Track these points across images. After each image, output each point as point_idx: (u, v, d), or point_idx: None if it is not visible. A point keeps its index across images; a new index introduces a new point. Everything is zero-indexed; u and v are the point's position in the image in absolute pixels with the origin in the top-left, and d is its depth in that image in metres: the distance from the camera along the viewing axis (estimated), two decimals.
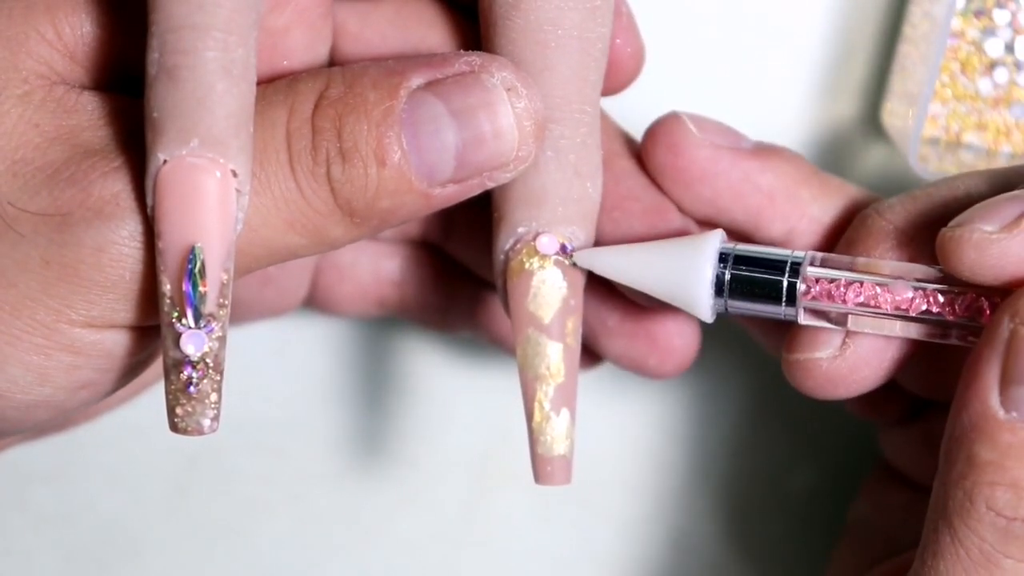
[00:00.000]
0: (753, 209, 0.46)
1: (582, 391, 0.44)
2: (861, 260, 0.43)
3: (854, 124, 0.54)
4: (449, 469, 0.58)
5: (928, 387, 0.48)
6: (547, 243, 0.43)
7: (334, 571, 0.58)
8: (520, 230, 0.43)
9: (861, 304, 0.42)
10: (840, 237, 0.46)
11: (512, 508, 0.58)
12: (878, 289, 0.42)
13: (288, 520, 0.58)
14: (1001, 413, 0.40)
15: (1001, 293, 0.41)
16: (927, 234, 0.43)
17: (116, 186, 0.39)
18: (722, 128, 0.46)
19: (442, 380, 0.57)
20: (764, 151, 0.46)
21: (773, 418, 0.57)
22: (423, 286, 0.52)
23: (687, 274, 0.43)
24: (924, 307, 0.42)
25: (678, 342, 0.48)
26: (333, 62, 0.45)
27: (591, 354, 0.49)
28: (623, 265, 0.44)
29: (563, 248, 0.43)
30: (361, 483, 0.58)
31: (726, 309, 0.44)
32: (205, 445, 0.57)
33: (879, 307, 0.42)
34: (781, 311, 0.43)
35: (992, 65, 0.51)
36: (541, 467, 0.44)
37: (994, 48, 0.51)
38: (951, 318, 0.42)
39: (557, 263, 0.43)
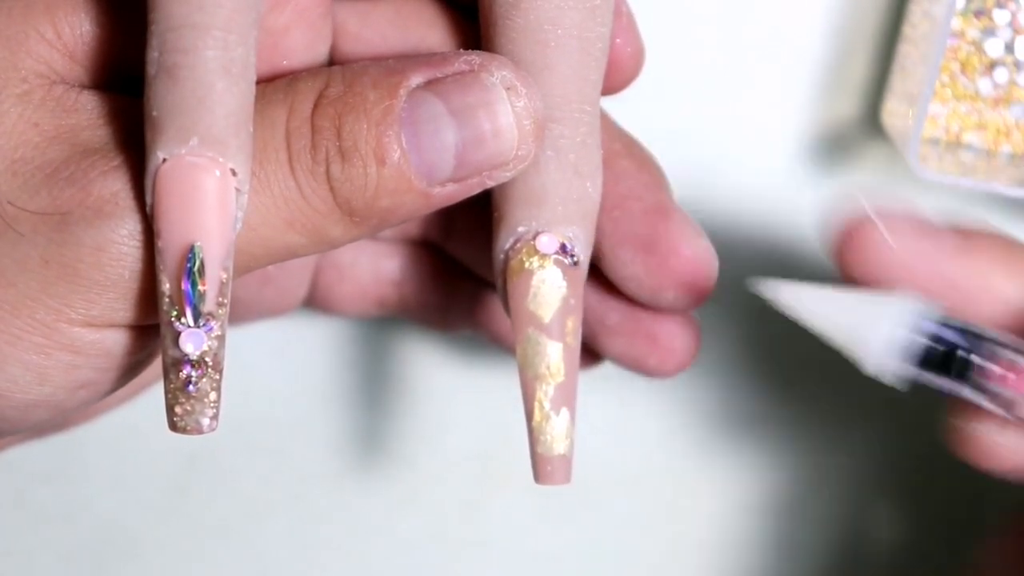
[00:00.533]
0: (948, 299, 0.44)
1: (582, 391, 0.44)
2: None
3: (854, 124, 0.54)
4: (449, 469, 0.58)
5: None
6: (547, 242, 0.43)
7: (334, 571, 0.58)
8: (520, 229, 0.43)
9: None
10: None
11: (512, 508, 0.58)
12: None
13: (288, 520, 0.58)
14: None
15: None
16: None
17: (115, 185, 0.39)
18: (915, 223, 0.44)
19: (442, 380, 0.57)
20: (966, 242, 0.44)
21: (773, 418, 0.57)
22: (423, 286, 0.52)
23: (871, 333, 0.42)
24: None
25: (679, 342, 0.48)
26: (333, 62, 0.45)
27: (591, 353, 0.49)
28: (809, 304, 0.43)
29: (563, 247, 0.43)
30: (361, 483, 0.58)
31: (907, 374, 0.42)
32: (204, 445, 0.57)
33: None
34: (965, 392, 0.42)
35: (992, 65, 0.51)
36: (541, 467, 0.44)
37: (994, 48, 0.51)
38: None
39: (557, 262, 0.43)
